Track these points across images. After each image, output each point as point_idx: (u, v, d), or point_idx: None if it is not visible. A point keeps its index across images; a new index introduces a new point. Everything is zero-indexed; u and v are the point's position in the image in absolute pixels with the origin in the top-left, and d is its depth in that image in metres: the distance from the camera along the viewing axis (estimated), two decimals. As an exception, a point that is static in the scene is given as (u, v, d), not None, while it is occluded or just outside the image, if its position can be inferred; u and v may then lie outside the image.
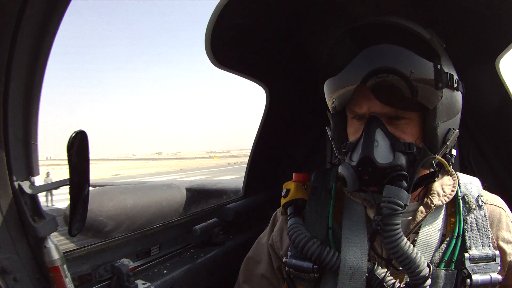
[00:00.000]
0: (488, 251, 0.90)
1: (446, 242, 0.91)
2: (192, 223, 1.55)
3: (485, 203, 0.96)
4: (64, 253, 0.86)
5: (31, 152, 0.82)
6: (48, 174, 18.54)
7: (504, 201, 1.02)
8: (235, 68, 1.48)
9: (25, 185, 0.80)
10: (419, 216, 0.92)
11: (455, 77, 0.89)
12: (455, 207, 0.96)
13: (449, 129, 0.90)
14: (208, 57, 1.30)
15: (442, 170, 0.96)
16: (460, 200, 0.96)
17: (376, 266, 0.87)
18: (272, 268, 1.10)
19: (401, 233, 0.81)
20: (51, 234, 0.84)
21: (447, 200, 0.95)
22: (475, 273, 0.87)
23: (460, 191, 0.98)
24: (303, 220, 0.99)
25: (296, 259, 0.93)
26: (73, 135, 0.78)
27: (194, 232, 1.49)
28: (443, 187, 0.97)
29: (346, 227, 0.94)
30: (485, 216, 0.94)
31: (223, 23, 1.17)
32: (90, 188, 0.89)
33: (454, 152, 0.96)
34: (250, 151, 1.93)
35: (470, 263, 0.88)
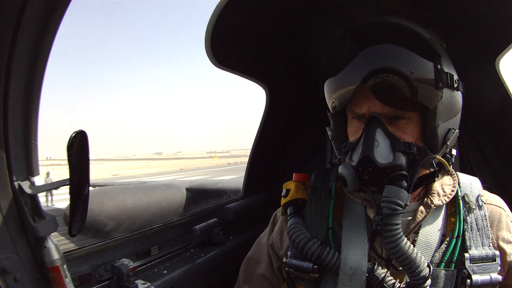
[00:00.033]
0: (488, 251, 0.90)
1: (446, 242, 0.91)
2: (192, 223, 1.55)
3: (485, 203, 0.96)
4: (64, 253, 0.86)
5: (31, 152, 0.82)
6: (48, 174, 18.54)
7: (504, 201, 1.02)
8: (235, 68, 1.48)
9: (25, 185, 0.80)
10: (419, 216, 0.92)
11: (455, 77, 0.89)
12: (455, 207, 0.96)
13: (449, 129, 0.90)
14: (208, 57, 1.30)
15: (442, 170, 0.96)
16: (460, 200, 0.96)
17: (376, 266, 0.87)
18: (272, 268, 1.10)
19: (401, 233, 0.81)
20: (51, 234, 0.84)
21: (447, 200, 0.95)
22: (475, 273, 0.87)
23: (460, 191, 0.98)
24: (303, 220, 0.99)
25: (296, 259, 0.93)
26: (73, 135, 0.78)
27: (194, 232, 1.49)
28: (443, 187, 0.97)
29: (346, 227, 0.94)
30: (485, 216, 0.94)
31: (223, 23, 1.17)
32: (90, 188, 0.89)
33: (454, 152, 0.96)
34: (250, 151, 1.93)
35: (470, 263, 0.88)
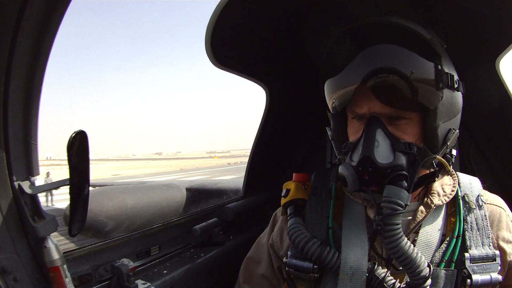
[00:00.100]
0: (488, 251, 0.90)
1: (446, 242, 0.91)
2: (192, 223, 1.55)
3: (485, 203, 0.96)
4: (64, 253, 0.86)
5: (31, 152, 0.82)
6: (48, 174, 18.54)
7: (504, 201, 1.02)
8: (235, 68, 1.48)
9: (25, 185, 0.80)
10: (419, 216, 0.92)
11: (456, 77, 0.89)
12: (455, 206, 0.96)
13: (450, 129, 0.90)
14: (208, 57, 1.30)
15: (442, 170, 0.96)
16: (460, 200, 0.96)
17: (376, 266, 0.87)
18: (272, 268, 1.10)
19: (402, 233, 0.81)
20: (51, 234, 0.84)
21: (447, 200, 0.95)
22: (475, 273, 0.87)
23: (460, 191, 0.98)
24: (303, 220, 0.99)
25: (296, 259, 0.93)
26: (73, 135, 0.78)
27: (194, 232, 1.49)
28: (443, 187, 0.97)
29: (346, 227, 0.94)
30: (485, 215, 0.94)
31: (223, 23, 1.17)
32: (90, 188, 0.89)
33: (454, 152, 0.96)
34: (250, 151, 1.93)
35: (470, 263, 0.88)
